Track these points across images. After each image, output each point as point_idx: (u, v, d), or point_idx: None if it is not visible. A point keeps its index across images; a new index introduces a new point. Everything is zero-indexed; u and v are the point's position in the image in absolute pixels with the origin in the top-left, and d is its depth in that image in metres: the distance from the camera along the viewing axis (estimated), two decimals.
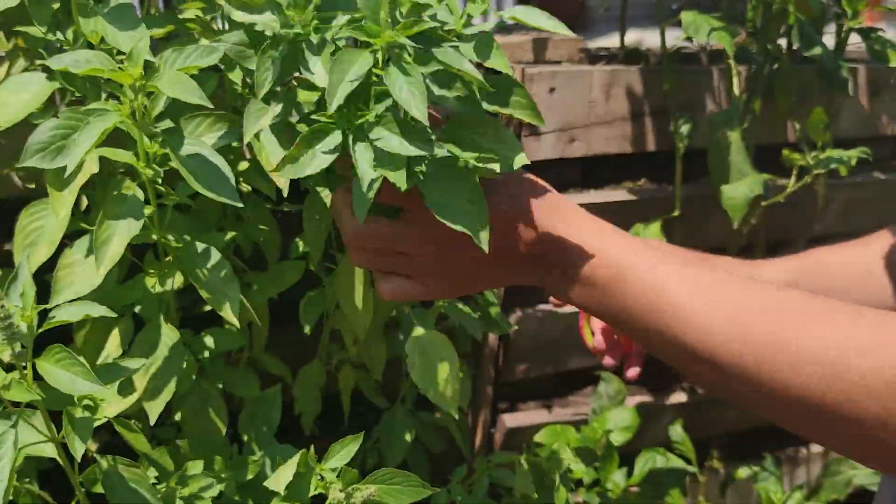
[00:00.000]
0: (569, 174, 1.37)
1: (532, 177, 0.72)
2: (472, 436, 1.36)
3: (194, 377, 0.90)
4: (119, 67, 0.67)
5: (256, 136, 0.81)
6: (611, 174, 1.40)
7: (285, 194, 0.81)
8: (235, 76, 0.81)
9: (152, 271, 0.83)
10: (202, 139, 0.75)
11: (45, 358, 0.68)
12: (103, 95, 0.85)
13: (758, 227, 1.36)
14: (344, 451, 0.80)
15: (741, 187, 1.10)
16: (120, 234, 0.72)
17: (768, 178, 1.12)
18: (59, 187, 0.81)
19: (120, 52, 0.74)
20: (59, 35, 0.83)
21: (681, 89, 1.31)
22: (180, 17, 0.92)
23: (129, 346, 0.86)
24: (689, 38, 1.23)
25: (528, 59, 1.33)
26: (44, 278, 0.86)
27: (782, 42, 1.30)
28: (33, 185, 0.95)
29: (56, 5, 0.84)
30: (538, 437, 1.31)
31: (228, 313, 0.78)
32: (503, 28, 1.42)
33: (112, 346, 0.87)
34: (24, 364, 0.68)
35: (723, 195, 1.13)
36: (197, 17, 0.90)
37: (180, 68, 0.69)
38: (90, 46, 0.82)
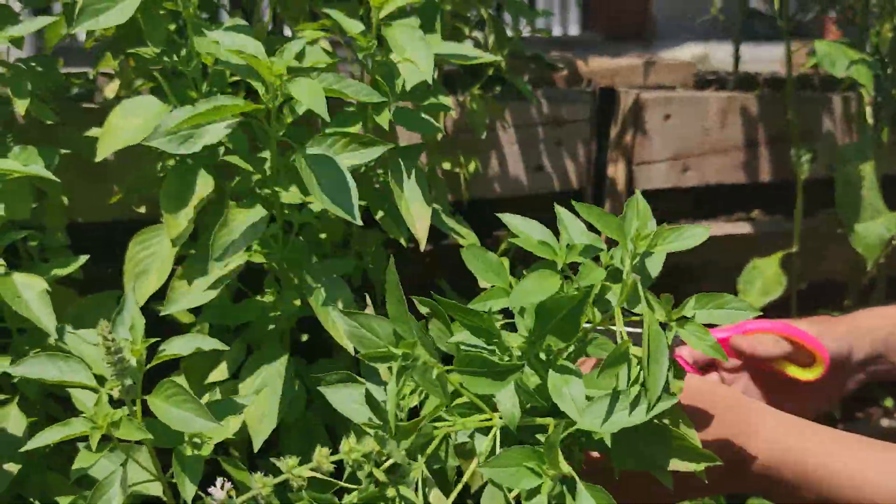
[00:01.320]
0: (680, 204, 1.31)
1: (713, 388, 0.72)
2: None
3: (303, 408, 0.87)
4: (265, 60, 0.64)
5: (399, 184, 0.78)
6: (723, 204, 1.34)
7: (423, 248, 0.78)
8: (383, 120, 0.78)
9: (269, 291, 0.80)
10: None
11: (157, 394, 0.64)
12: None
13: (882, 267, 1.29)
14: None
15: (876, 226, 1.03)
16: (239, 241, 0.69)
17: None
18: (174, 210, 0.78)
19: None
20: (174, 56, 0.81)
21: (800, 118, 1.25)
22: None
23: (237, 370, 0.84)
24: (815, 66, 1.17)
25: (639, 83, 1.28)
26: (150, 307, 0.84)
27: None
28: (143, 209, 0.92)
29: (172, 26, 0.82)
30: None
31: (348, 344, 0.74)
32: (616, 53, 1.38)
33: (219, 372, 0.84)
34: (133, 400, 0.65)
35: (856, 234, 1.06)
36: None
37: (323, 86, 0.65)
38: (204, 67, 0.79)
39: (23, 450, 0.61)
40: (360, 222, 0.68)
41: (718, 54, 1.54)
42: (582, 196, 1.22)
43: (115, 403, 0.66)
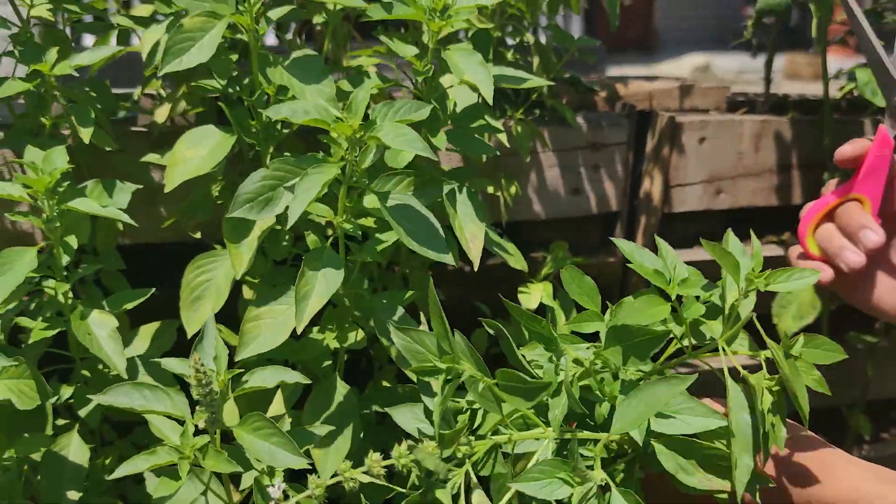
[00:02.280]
0: (713, 226, 1.32)
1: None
2: None
3: (361, 435, 0.87)
4: (339, 119, 0.64)
5: (453, 202, 0.78)
6: (755, 227, 1.34)
7: (476, 264, 0.79)
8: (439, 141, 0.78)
9: (331, 327, 0.80)
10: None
11: (243, 426, 0.65)
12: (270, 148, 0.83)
13: None
14: None
15: None
16: (319, 289, 0.69)
17: None
18: (236, 241, 0.78)
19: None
20: (237, 87, 0.81)
21: (834, 142, 1.26)
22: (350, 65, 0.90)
23: (295, 402, 0.84)
24: (850, 91, 1.18)
25: (675, 107, 1.29)
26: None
27: None
28: (199, 235, 0.93)
29: (234, 56, 0.83)
30: None
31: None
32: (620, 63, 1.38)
33: (277, 406, 0.84)
34: (215, 430, 0.65)
35: None
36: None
37: (395, 120, 0.66)
38: (267, 98, 0.80)
39: (111, 477, 0.62)
40: (452, 261, 0.69)
41: (719, 63, 1.54)
42: (618, 218, 1.22)
43: (195, 432, 0.67)
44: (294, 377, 0.68)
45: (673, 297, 0.65)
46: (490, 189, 1.06)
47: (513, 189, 1.09)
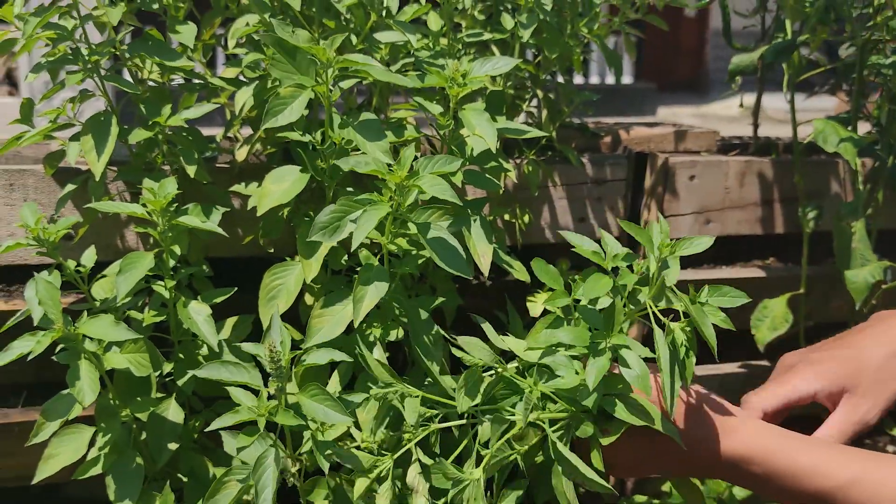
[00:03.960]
0: (703, 252, 1.52)
1: (710, 400, 0.96)
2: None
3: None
4: (390, 169, 0.87)
5: (468, 228, 1.01)
6: (741, 253, 1.55)
7: (486, 275, 1.00)
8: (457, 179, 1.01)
9: (377, 324, 1.03)
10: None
11: (303, 393, 0.87)
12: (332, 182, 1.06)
13: (878, 307, 1.49)
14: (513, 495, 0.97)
15: (863, 273, 1.24)
16: (371, 293, 0.91)
17: (888, 265, 1.26)
18: (308, 256, 1.01)
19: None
20: (312, 136, 1.04)
21: (808, 179, 1.46)
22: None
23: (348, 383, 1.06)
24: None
25: (670, 149, 1.50)
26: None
27: None
28: (272, 250, 1.16)
29: (306, 112, 1.06)
30: (665, 486, 1.45)
31: (436, 370, 0.96)
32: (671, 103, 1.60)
33: (333, 384, 1.07)
34: (283, 396, 0.87)
35: (846, 279, 1.27)
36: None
37: (431, 172, 0.89)
38: (334, 146, 1.03)
39: (209, 429, 0.84)
40: (471, 276, 0.91)
41: (768, 103, 1.71)
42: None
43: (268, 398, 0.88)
44: (341, 356, 0.90)
45: (609, 269, 0.88)
46: (507, 217, 1.28)
47: (526, 217, 1.31)
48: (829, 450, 0.88)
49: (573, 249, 0.97)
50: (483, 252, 1.00)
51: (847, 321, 1.50)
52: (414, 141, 1.07)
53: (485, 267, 1.00)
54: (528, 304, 1.21)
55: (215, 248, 1.22)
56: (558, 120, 1.29)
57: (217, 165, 1.23)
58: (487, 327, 0.93)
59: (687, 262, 1.59)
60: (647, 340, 1.23)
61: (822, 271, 1.50)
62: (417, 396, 0.91)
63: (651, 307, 0.87)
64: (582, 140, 1.44)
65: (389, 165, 0.88)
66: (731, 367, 1.52)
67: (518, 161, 1.30)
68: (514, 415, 0.88)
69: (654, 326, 0.84)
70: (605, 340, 0.86)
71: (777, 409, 1.02)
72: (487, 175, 1.04)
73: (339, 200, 0.89)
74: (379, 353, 0.98)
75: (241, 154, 1.20)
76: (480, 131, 0.97)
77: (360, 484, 0.91)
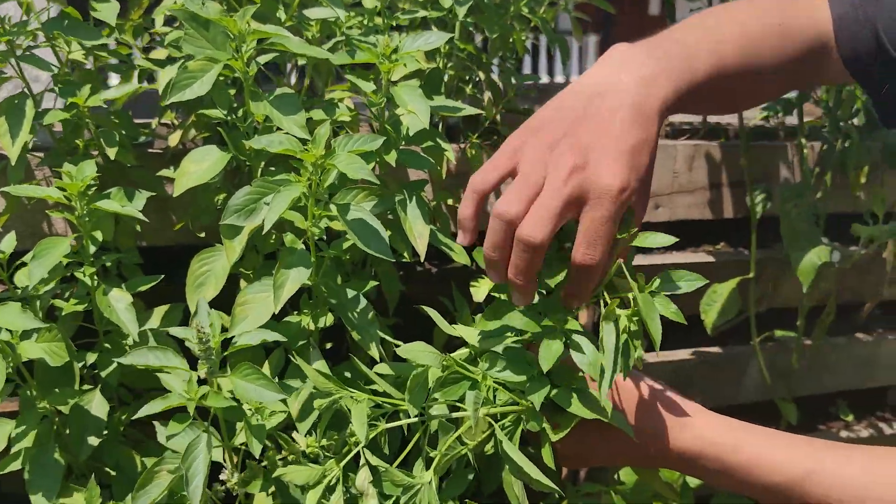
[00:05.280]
0: None
1: (655, 387, 0.93)
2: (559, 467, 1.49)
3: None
4: (305, 149, 0.84)
5: (404, 209, 0.98)
6: (692, 238, 1.53)
7: (423, 258, 0.98)
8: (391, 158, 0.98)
9: (306, 311, 1.00)
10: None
11: (235, 373, 0.84)
12: (261, 163, 1.03)
13: (828, 290, 1.48)
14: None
15: (810, 255, 1.23)
16: (292, 279, 0.88)
17: (833, 247, 1.25)
18: (230, 237, 0.98)
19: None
20: (234, 116, 1.01)
21: (757, 163, 1.45)
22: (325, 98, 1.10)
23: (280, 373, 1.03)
24: (765, 118, 1.37)
25: None
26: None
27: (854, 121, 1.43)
28: (202, 235, 1.13)
29: (233, 91, 1.03)
30: (621, 473, 1.44)
31: (374, 351, 0.93)
32: None
33: (266, 371, 1.03)
34: (214, 378, 0.84)
35: (793, 261, 1.26)
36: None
37: (350, 150, 0.86)
38: (257, 124, 1.00)
39: (135, 417, 0.80)
40: (393, 258, 0.88)
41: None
42: None
43: (199, 382, 0.85)
44: (273, 336, 0.87)
45: None
46: (450, 202, 1.25)
47: None
48: (784, 441, 0.86)
49: None
50: (419, 233, 0.97)
51: (797, 306, 1.49)
52: (350, 122, 1.04)
53: (421, 249, 0.97)
54: (471, 290, 1.18)
55: (152, 237, 1.19)
56: (501, 103, 1.27)
57: (150, 151, 1.19)
58: (434, 314, 0.90)
59: (638, 248, 1.57)
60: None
61: (772, 255, 1.48)
62: (363, 401, 0.87)
63: (603, 295, 0.85)
64: None
65: (304, 143, 0.85)
66: (685, 354, 1.51)
67: (462, 146, 1.28)
68: (462, 409, 0.85)
69: (602, 317, 0.82)
70: (558, 325, 0.84)
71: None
72: (423, 154, 1.01)
73: (255, 182, 0.86)
74: (317, 360, 0.94)
75: (173, 139, 1.17)
76: (413, 107, 0.94)
77: (312, 497, 0.88)
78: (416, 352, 0.83)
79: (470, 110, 1.04)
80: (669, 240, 0.84)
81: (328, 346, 1.22)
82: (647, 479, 1.08)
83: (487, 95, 1.25)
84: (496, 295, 0.95)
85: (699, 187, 1.47)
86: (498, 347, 0.87)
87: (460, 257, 1.08)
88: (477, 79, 1.25)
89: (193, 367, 0.84)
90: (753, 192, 1.38)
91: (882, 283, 1.57)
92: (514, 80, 1.24)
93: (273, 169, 0.95)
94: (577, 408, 0.84)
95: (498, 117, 1.29)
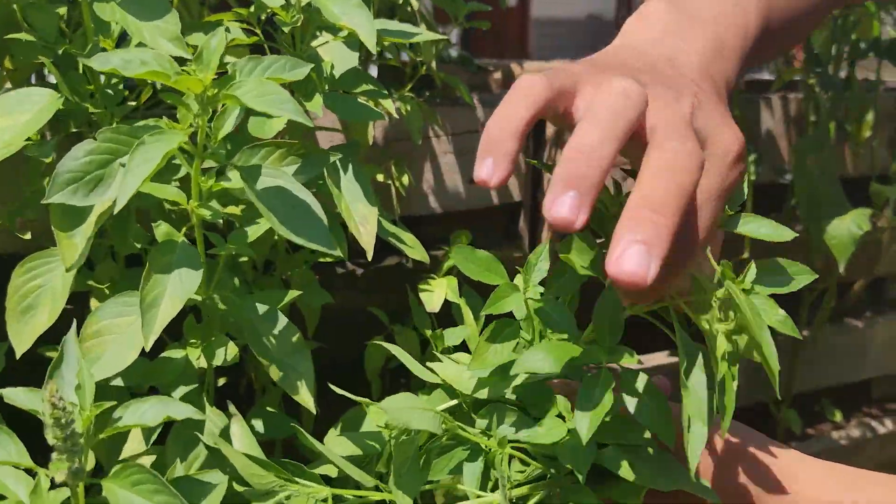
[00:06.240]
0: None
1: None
2: None
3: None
4: (183, 71, 0.50)
5: (337, 181, 0.65)
6: None
7: (370, 251, 0.65)
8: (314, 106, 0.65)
9: (194, 341, 0.65)
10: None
11: (117, 479, 0.49)
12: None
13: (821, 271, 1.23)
14: None
15: (846, 223, 0.96)
16: (172, 292, 0.54)
17: (872, 211, 0.99)
18: (66, 227, 0.62)
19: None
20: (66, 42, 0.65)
21: (746, 118, 1.19)
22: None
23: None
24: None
25: None
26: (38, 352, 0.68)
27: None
28: (28, 236, 0.76)
29: (62, 10, 0.67)
30: None
31: (305, 394, 0.60)
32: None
33: (135, 443, 0.69)
34: (79, 484, 0.49)
35: (826, 234, 0.99)
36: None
37: (258, 77, 0.52)
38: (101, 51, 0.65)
39: None
40: (339, 253, 0.56)
41: None
42: (522, 209, 1.11)
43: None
44: (185, 412, 0.52)
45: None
46: (380, 177, 0.93)
47: (405, 178, 0.97)
48: None
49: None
50: (363, 217, 0.65)
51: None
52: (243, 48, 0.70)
53: (367, 240, 0.65)
54: (421, 295, 0.86)
55: None
56: (442, 43, 0.95)
57: None
58: (401, 353, 0.56)
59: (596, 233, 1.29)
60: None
61: None
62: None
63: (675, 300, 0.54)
64: (465, 77, 1.11)
65: (182, 63, 0.51)
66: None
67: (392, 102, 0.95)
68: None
69: (679, 331, 0.51)
70: (600, 358, 0.52)
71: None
72: (364, 100, 0.69)
73: (102, 133, 0.51)
74: (242, 434, 0.60)
75: None
76: (349, 22, 0.62)
77: None
78: (406, 412, 0.49)
79: (428, 35, 0.72)
80: (785, 234, 0.55)
81: (220, 381, 0.88)
82: None
83: (423, 32, 0.93)
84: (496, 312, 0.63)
85: None
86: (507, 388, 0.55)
87: (416, 252, 0.76)
88: (409, 8, 0.93)
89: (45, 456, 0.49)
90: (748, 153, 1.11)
91: (876, 259, 1.34)
92: (456, 14, 0.93)
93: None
94: (644, 476, 0.53)
95: (433, 65, 0.98)
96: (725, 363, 0.50)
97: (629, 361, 0.51)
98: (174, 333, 0.69)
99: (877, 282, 1.43)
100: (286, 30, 0.65)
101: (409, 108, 0.91)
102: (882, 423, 1.48)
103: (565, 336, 0.53)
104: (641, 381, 0.52)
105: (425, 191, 1.02)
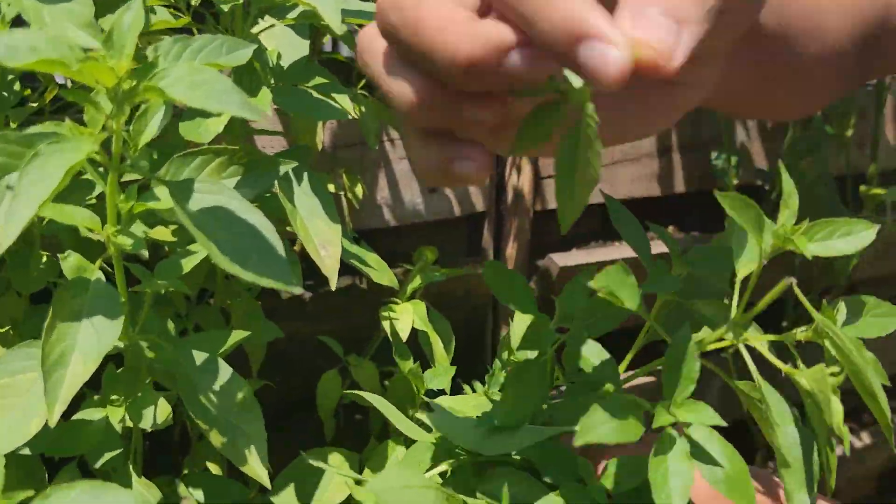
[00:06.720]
0: (587, 224, 1.12)
1: None
2: None
3: None
4: (90, 57, 0.37)
5: (290, 194, 0.53)
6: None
7: (333, 286, 0.53)
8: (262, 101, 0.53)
9: (116, 398, 0.53)
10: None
11: None
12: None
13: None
14: None
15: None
16: (85, 347, 0.42)
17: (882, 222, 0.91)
18: None
19: None
20: None
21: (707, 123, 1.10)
22: None
23: None
24: None
25: None
26: None
27: None
28: None
29: None
30: None
31: (256, 464, 0.48)
32: None
33: None
34: None
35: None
36: None
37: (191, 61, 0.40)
38: None
39: None
40: (300, 290, 0.44)
41: None
42: (486, 220, 1.00)
43: None
44: (125, 500, 0.40)
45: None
46: (331, 188, 0.81)
47: (358, 189, 0.85)
48: None
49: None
50: (324, 238, 0.53)
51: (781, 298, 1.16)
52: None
53: (329, 265, 0.53)
54: (383, 323, 0.75)
55: None
56: None
57: None
58: (382, 403, 0.45)
59: (572, 240, 1.20)
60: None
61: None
62: None
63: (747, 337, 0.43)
64: None
65: (86, 50, 0.38)
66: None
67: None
68: None
69: (758, 378, 0.41)
70: (666, 416, 0.42)
71: None
72: (319, 96, 0.57)
73: None
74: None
75: None
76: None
77: None
78: (400, 493, 0.38)
79: None
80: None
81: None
82: None
83: None
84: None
85: (644, 154, 1.10)
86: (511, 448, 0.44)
87: (382, 276, 0.64)
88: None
89: None
90: (728, 155, 1.02)
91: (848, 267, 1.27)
92: None
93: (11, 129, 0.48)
94: None
95: None
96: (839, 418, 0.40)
97: (709, 420, 0.41)
98: (92, 379, 0.57)
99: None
100: (226, 8, 0.53)
101: (363, 108, 0.79)
102: (858, 436, 1.42)
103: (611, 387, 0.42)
104: (713, 443, 0.41)
105: (379, 202, 0.91)
